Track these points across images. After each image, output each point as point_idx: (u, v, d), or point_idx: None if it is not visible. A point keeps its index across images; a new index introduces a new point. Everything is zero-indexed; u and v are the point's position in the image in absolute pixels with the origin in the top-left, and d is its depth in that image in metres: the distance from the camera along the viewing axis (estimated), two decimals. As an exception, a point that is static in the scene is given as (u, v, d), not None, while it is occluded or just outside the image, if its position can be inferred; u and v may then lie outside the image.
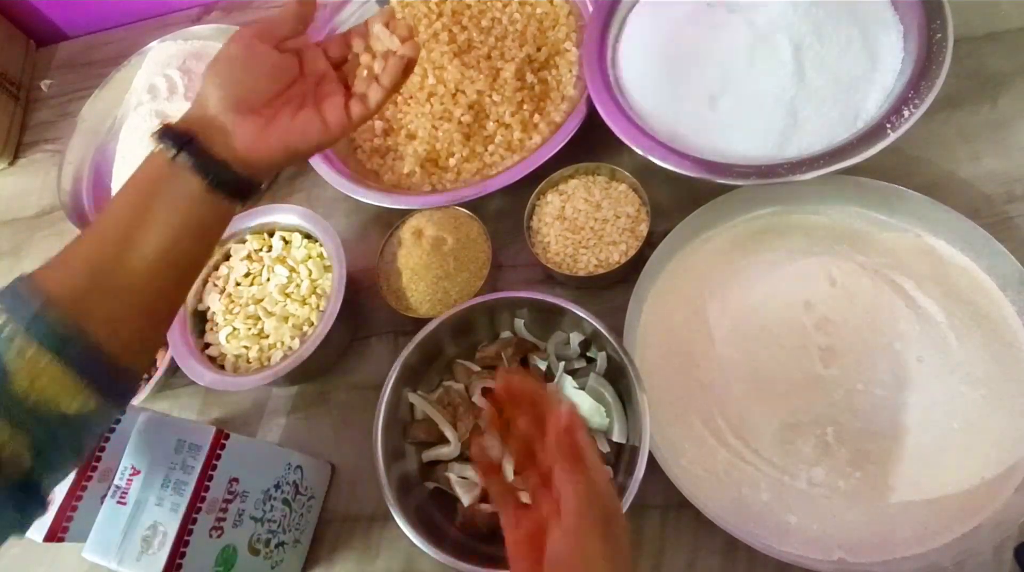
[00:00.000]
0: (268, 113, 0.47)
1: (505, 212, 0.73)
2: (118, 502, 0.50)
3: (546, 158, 0.69)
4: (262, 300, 0.70)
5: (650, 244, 0.65)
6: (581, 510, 0.37)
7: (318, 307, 0.69)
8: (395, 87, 0.51)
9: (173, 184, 0.43)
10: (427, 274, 0.67)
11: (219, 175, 0.44)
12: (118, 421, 0.58)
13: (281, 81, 0.48)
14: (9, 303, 0.39)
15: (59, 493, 0.54)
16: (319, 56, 0.51)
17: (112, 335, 0.41)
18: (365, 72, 0.51)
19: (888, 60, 0.61)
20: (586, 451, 0.39)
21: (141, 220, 0.43)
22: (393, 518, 0.55)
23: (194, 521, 0.50)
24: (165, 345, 0.71)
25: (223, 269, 0.73)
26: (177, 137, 0.44)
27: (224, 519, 0.53)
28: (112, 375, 0.41)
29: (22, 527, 0.39)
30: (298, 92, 0.49)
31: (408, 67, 0.51)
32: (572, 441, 0.38)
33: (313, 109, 0.49)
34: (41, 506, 0.40)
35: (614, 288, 0.67)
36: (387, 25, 0.51)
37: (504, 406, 0.43)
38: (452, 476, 0.58)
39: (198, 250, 0.47)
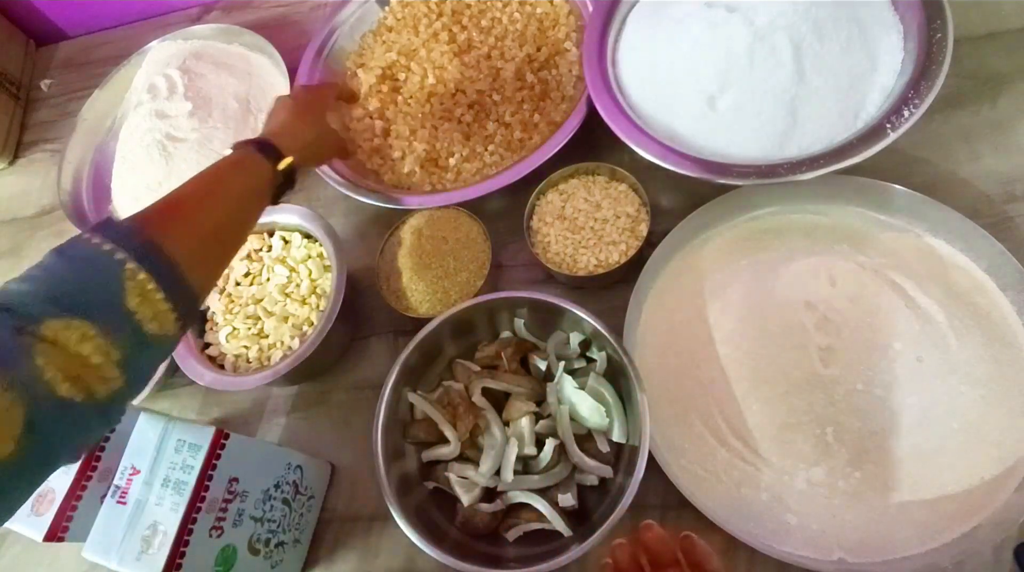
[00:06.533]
0: None
1: (505, 212, 0.73)
2: (118, 502, 0.50)
3: (546, 158, 0.69)
4: (262, 300, 0.70)
5: (650, 244, 0.65)
6: None
7: (318, 307, 0.69)
8: None
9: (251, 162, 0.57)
10: (427, 274, 0.68)
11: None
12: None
13: None
14: (115, 235, 0.42)
15: (59, 493, 0.54)
16: None
17: (192, 269, 0.45)
18: None
19: (888, 60, 0.61)
20: None
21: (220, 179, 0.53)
22: (393, 518, 0.55)
23: (194, 521, 0.50)
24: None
25: (223, 269, 0.73)
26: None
27: (224, 519, 0.53)
28: (191, 304, 0.46)
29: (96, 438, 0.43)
30: None
31: None
32: None
33: None
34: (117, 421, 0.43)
35: (614, 288, 0.67)
36: None
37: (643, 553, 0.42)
38: (452, 476, 0.58)
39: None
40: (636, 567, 0.42)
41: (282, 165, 0.58)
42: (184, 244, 0.45)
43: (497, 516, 0.58)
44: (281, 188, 0.59)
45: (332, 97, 0.72)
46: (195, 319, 0.53)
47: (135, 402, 0.71)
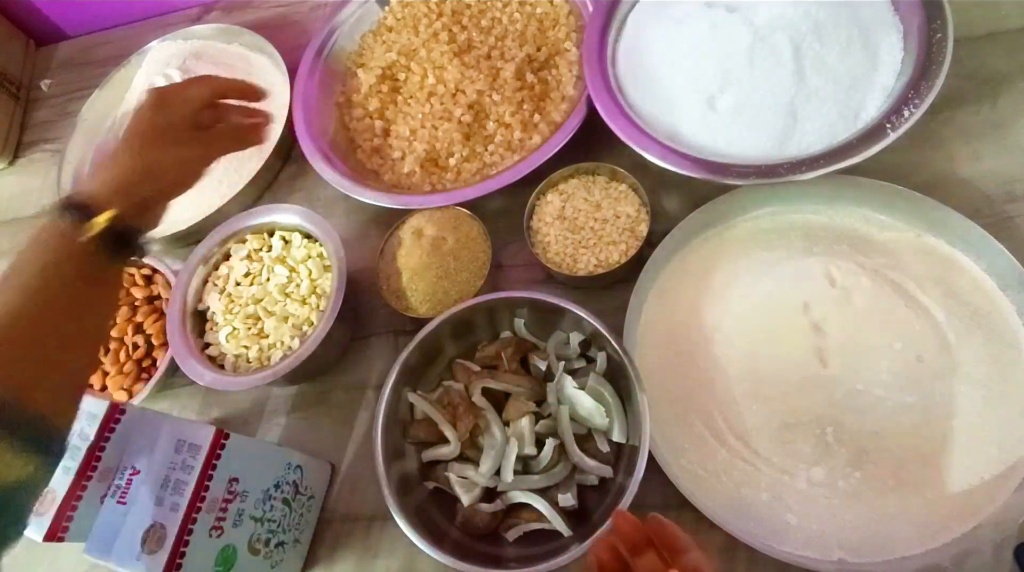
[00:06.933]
0: None
1: (505, 212, 0.73)
2: (118, 502, 0.50)
3: (546, 158, 0.69)
4: (262, 300, 0.70)
5: (650, 244, 0.65)
6: None
7: (318, 307, 0.69)
8: None
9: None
10: (427, 274, 0.67)
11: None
12: (118, 420, 0.58)
13: None
14: None
15: (59, 493, 0.54)
16: None
17: (31, 394, 0.40)
18: None
19: (888, 60, 0.61)
20: None
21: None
22: (393, 518, 0.55)
23: (194, 521, 0.50)
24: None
25: (223, 269, 0.73)
26: None
27: (224, 519, 0.53)
28: (46, 431, 0.41)
29: None
30: None
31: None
32: None
33: None
34: None
35: (614, 288, 0.67)
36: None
37: (623, 545, 0.42)
38: (452, 476, 0.58)
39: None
40: (617, 557, 0.42)
41: (86, 234, 0.45)
42: (4, 370, 0.39)
43: (497, 516, 0.58)
44: (120, 250, 0.47)
45: (199, 97, 0.54)
46: (64, 441, 0.43)
47: (135, 402, 0.71)
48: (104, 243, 0.45)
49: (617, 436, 0.57)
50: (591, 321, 0.58)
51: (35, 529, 0.53)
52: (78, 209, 0.46)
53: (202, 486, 0.51)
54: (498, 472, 0.57)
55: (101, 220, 0.45)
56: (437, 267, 0.67)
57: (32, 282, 0.43)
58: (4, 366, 0.40)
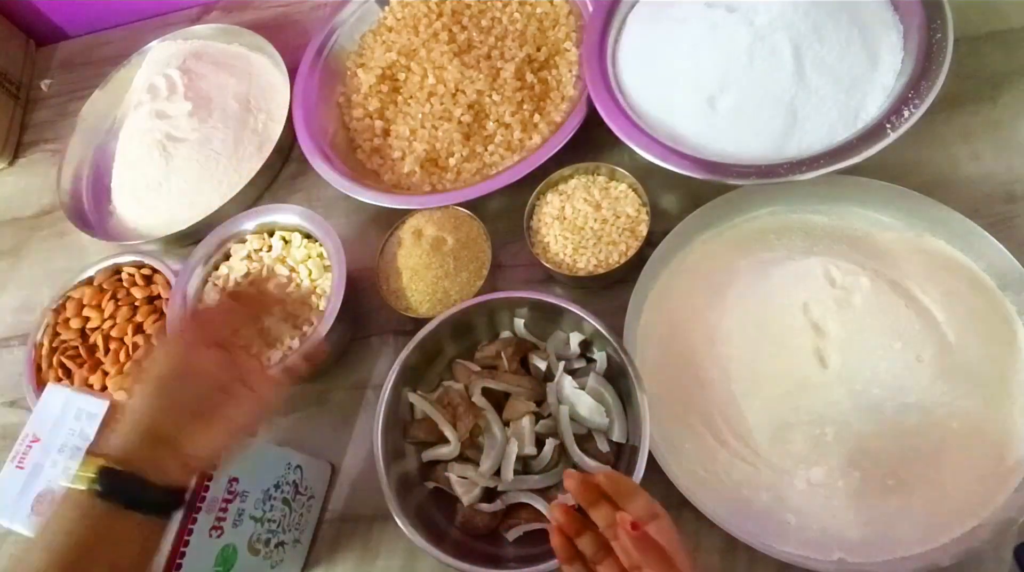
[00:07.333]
0: None
1: (505, 212, 0.73)
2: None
3: (546, 158, 0.69)
4: (262, 300, 0.70)
5: (650, 244, 0.65)
6: None
7: (318, 307, 0.69)
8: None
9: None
10: (427, 274, 0.67)
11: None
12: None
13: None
14: None
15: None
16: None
17: None
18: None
19: (888, 60, 0.61)
20: (668, 547, 0.39)
21: None
22: (393, 518, 0.55)
23: (194, 521, 0.50)
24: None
25: (223, 269, 0.73)
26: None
27: (224, 519, 0.53)
28: None
29: None
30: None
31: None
32: (653, 542, 0.39)
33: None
34: None
35: (614, 288, 0.67)
36: None
37: (579, 499, 0.44)
38: (452, 476, 0.58)
39: None
40: (573, 517, 0.44)
41: (79, 484, 0.40)
42: None
43: (497, 516, 0.58)
44: (132, 503, 0.41)
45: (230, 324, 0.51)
46: None
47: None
48: (105, 493, 0.41)
49: (617, 436, 0.57)
50: (591, 321, 0.58)
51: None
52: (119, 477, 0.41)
53: (201, 486, 0.51)
54: (498, 472, 0.57)
55: (89, 467, 0.41)
56: (437, 267, 0.67)
57: (56, 540, 0.40)
58: None
